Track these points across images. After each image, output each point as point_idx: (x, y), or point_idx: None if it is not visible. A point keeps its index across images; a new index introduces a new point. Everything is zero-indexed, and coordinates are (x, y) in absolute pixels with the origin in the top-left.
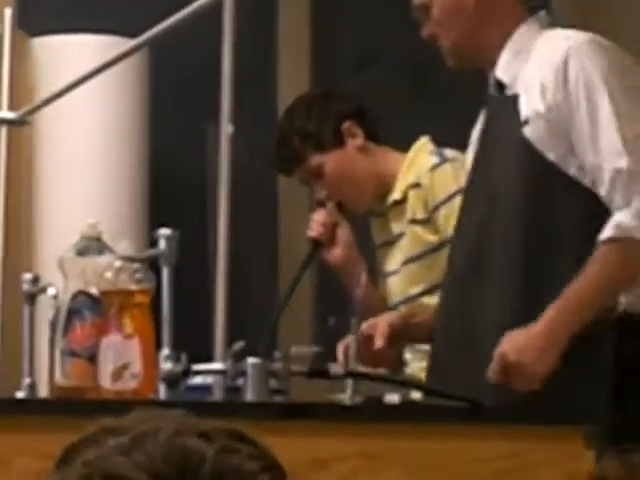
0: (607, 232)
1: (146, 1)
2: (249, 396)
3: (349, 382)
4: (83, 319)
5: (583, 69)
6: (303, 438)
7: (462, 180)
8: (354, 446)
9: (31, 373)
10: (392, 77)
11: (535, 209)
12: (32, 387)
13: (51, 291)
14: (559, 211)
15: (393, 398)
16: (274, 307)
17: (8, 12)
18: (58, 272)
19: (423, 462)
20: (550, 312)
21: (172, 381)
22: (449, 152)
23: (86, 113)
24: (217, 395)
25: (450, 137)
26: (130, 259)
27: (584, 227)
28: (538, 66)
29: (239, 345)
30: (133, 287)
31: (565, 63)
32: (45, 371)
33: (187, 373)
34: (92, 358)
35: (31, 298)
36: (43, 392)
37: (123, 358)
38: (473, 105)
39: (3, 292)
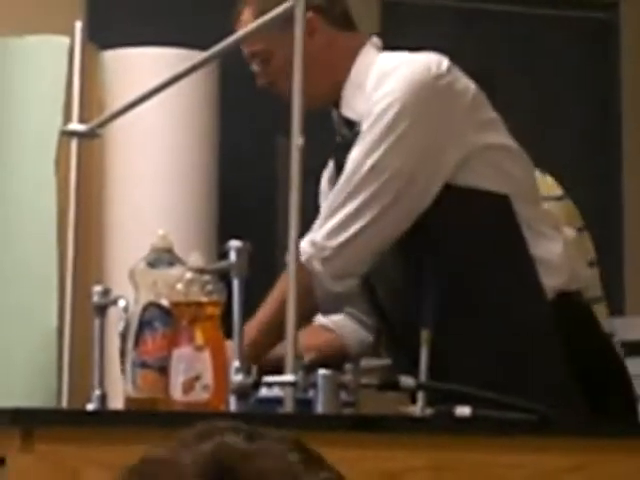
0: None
1: (216, 14)
2: (319, 408)
3: (420, 394)
4: (154, 331)
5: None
6: (374, 451)
7: None
8: (424, 459)
9: (101, 385)
10: None
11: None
12: (103, 399)
13: (121, 303)
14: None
15: (464, 411)
16: None
17: (78, 25)
18: (128, 284)
19: (493, 475)
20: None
21: (242, 393)
22: None
23: (156, 126)
24: (287, 407)
25: None
26: (201, 271)
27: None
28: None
29: (310, 357)
30: (204, 299)
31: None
32: (115, 383)
33: (257, 385)
34: (163, 370)
35: (101, 310)
36: (113, 404)
37: (194, 370)
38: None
39: (73, 304)
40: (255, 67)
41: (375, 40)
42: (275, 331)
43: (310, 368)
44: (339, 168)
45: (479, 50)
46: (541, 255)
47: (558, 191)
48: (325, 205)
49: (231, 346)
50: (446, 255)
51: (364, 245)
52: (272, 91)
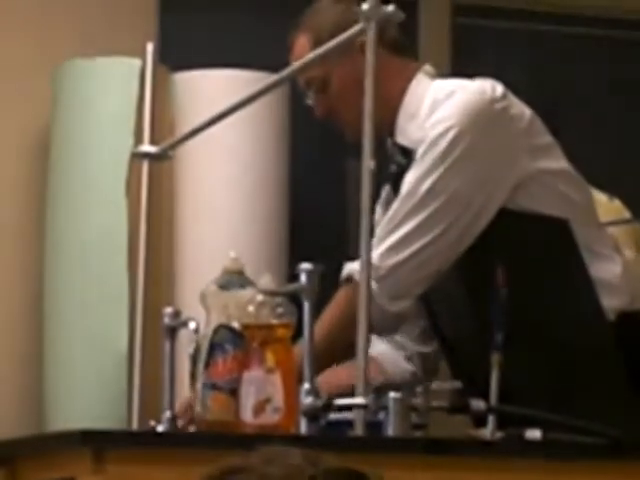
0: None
1: (286, 35)
2: (390, 431)
3: (490, 417)
4: (225, 353)
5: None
6: (445, 473)
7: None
8: None
9: (172, 406)
10: None
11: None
12: (173, 420)
13: (192, 325)
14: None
15: (535, 434)
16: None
17: (150, 47)
18: (199, 306)
19: None
20: None
21: (313, 416)
22: None
23: (226, 147)
24: (358, 430)
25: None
26: (272, 293)
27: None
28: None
29: (380, 379)
30: (275, 321)
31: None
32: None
33: (328, 408)
34: (233, 392)
35: (172, 332)
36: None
37: (265, 392)
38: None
39: (144, 326)
40: (311, 98)
41: (428, 68)
42: (323, 358)
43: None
44: (395, 195)
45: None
46: (601, 276)
47: (626, 214)
48: (380, 227)
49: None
50: (508, 279)
51: (419, 266)
52: (331, 121)
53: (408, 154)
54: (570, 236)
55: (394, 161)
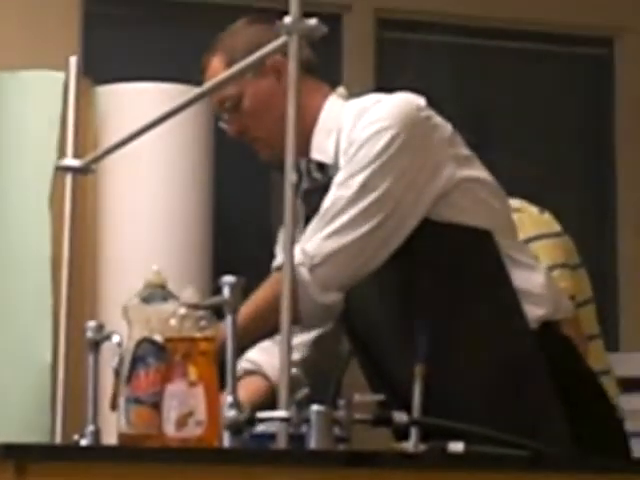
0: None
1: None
2: (313, 444)
3: (413, 430)
4: (147, 366)
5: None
6: None
7: (528, 230)
8: None
9: (95, 420)
10: None
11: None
12: (96, 434)
13: (115, 339)
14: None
15: (457, 447)
16: (339, 357)
17: (73, 60)
18: (122, 320)
19: None
20: None
21: (236, 429)
22: (513, 202)
23: (150, 161)
24: (281, 443)
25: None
26: (195, 306)
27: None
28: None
29: (303, 392)
30: (197, 334)
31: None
32: (108, 419)
33: (251, 421)
34: (156, 405)
35: (95, 346)
36: (107, 440)
37: (187, 406)
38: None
39: (68, 340)
40: (224, 118)
41: (341, 90)
42: (247, 335)
43: (302, 404)
44: (313, 212)
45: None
46: (524, 286)
47: (557, 227)
48: (314, 221)
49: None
50: (431, 290)
51: (352, 258)
52: (243, 140)
53: (325, 169)
54: (493, 246)
55: (309, 178)
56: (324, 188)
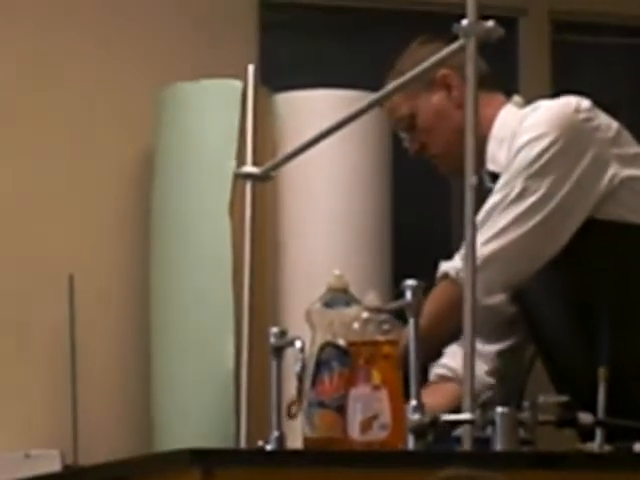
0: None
1: (386, 55)
2: (498, 446)
3: (598, 431)
4: (331, 370)
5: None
6: None
7: None
8: None
9: (279, 426)
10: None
11: None
12: (280, 439)
13: (298, 344)
14: None
15: None
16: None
17: (251, 68)
18: (304, 325)
19: None
20: None
21: (420, 432)
22: None
23: (329, 167)
24: (466, 446)
25: None
26: (377, 310)
27: None
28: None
29: (487, 395)
30: (381, 338)
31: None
32: (292, 424)
33: (435, 424)
34: (340, 409)
35: (278, 351)
36: (291, 445)
37: (372, 409)
38: None
39: (250, 346)
40: (404, 136)
41: (517, 99)
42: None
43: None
44: None
45: None
46: None
47: None
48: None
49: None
50: (605, 290)
51: (513, 259)
52: (426, 158)
53: (496, 179)
54: None
55: (484, 188)
56: None
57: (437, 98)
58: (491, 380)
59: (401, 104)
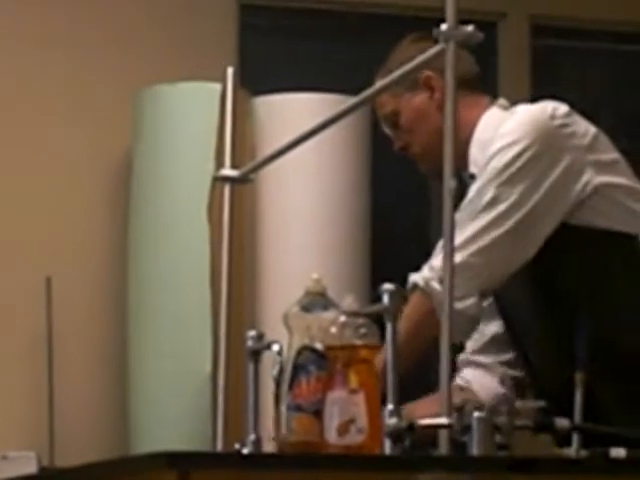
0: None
1: (363, 59)
2: (475, 451)
3: (575, 436)
4: (308, 374)
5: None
6: None
7: None
8: None
9: (256, 429)
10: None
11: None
12: (257, 443)
13: (275, 347)
14: None
15: (619, 452)
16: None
17: (230, 71)
18: (282, 329)
19: None
20: None
21: (397, 436)
22: None
23: (308, 170)
24: (442, 450)
25: None
26: (355, 314)
27: None
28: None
29: (462, 399)
30: (358, 342)
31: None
32: (269, 427)
33: (412, 428)
34: (317, 413)
35: (255, 355)
36: (268, 448)
37: (348, 413)
38: None
39: (227, 349)
40: (388, 132)
41: (502, 101)
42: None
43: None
44: None
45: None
46: None
47: None
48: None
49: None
50: (575, 294)
51: (482, 266)
52: (408, 155)
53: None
54: (635, 250)
55: (467, 191)
56: None
57: (419, 99)
58: (503, 390)
59: (386, 102)
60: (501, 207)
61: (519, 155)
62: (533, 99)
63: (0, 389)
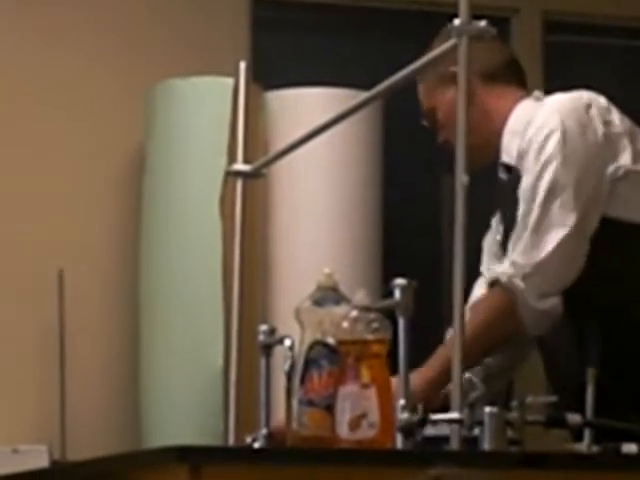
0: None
1: (378, 54)
2: (486, 446)
3: (586, 432)
4: (320, 369)
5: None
6: None
7: None
8: None
9: (267, 423)
10: None
11: None
12: (269, 437)
13: (287, 342)
14: None
15: (631, 448)
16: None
17: (242, 65)
18: (294, 323)
19: None
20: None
21: (409, 431)
22: None
23: (320, 165)
24: (454, 445)
25: None
26: (367, 309)
27: None
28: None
29: (476, 394)
30: (370, 337)
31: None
32: (279, 419)
33: (424, 423)
34: (329, 408)
35: (267, 349)
36: None
37: (360, 407)
38: None
39: (239, 344)
40: (430, 127)
41: (537, 93)
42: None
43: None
44: (503, 212)
45: None
46: None
47: None
48: (514, 232)
49: (396, 383)
50: (606, 292)
51: (563, 260)
52: (450, 149)
53: (510, 171)
54: None
55: (498, 180)
56: (512, 189)
57: (450, 94)
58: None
59: (425, 99)
60: (565, 192)
61: (562, 143)
62: (545, 94)
63: (12, 382)
